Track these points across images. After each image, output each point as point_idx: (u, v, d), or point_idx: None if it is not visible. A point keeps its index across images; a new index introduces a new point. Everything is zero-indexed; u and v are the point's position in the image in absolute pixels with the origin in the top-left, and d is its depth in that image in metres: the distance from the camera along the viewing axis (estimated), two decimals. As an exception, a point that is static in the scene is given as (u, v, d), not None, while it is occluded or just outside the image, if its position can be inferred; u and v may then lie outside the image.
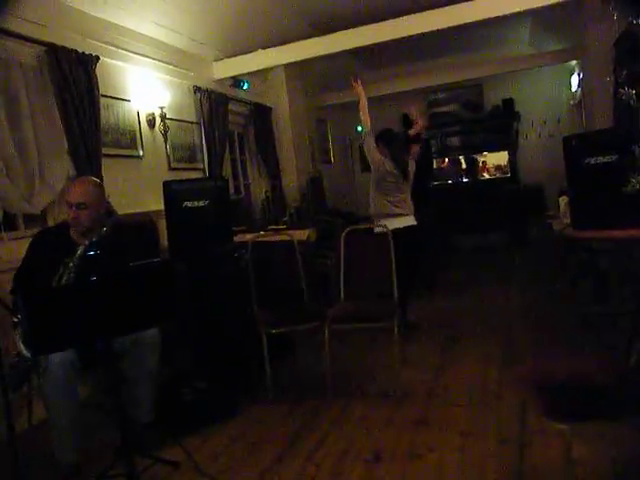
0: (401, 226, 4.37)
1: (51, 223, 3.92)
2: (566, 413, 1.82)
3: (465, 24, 5.22)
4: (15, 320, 2.50)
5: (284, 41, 5.87)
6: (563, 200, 4.69)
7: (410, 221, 4.52)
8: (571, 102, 8.98)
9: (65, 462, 2.59)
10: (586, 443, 2.31)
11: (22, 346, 2.46)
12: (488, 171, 10.09)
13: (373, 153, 4.55)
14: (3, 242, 3.61)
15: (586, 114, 7.39)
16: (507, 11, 4.95)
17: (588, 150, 3.32)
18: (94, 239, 2.64)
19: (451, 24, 5.23)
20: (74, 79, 3.95)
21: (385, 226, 3.96)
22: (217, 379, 3.38)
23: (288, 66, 7.16)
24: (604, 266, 4.50)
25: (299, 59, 5.99)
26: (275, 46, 5.91)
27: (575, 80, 8.35)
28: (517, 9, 4.95)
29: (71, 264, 2.59)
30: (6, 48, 3.62)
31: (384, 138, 4.64)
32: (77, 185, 2.87)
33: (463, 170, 10.05)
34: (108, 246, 2.67)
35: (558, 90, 9.39)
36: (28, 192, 3.68)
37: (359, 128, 10.64)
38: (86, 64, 4.09)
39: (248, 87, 6.87)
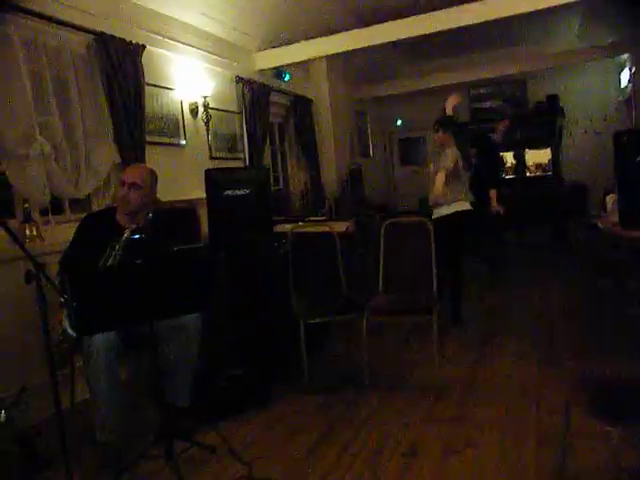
0: (460, 209, 4.45)
1: (96, 208, 4.00)
2: (614, 415, 1.76)
3: (512, 16, 5.09)
4: (62, 300, 2.56)
5: (327, 32, 5.84)
6: (611, 198, 4.56)
7: (466, 206, 4.51)
8: (620, 98, 8.70)
9: (106, 441, 2.64)
10: (636, 448, 2.23)
11: (68, 326, 2.52)
12: (528, 169, 9.86)
13: (451, 162, 4.40)
14: (50, 225, 3.70)
15: (637, 110, 7.15)
16: (559, 2, 4.78)
17: (642, 146, 3.20)
18: (140, 223, 2.68)
19: (497, 16, 5.09)
20: (121, 67, 4.02)
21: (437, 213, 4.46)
22: (254, 367, 3.40)
23: (329, 58, 7.12)
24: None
25: (342, 50, 5.95)
26: (318, 37, 5.88)
27: (625, 75, 8.08)
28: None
29: (117, 247, 2.64)
30: (58, 36, 3.70)
31: (449, 127, 4.56)
32: (134, 167, 3.04)
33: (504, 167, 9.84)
34: (153, 231, 2.71)
35: (606, 86, 9.11)
36: (75, 177, 3.76)
37: (398, 122, 10.65)
38: (133, 53, 4.15)
39: (289, 78, 6.88)
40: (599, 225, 4.58)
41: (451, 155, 4.40)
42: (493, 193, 5.89)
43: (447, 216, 4.43)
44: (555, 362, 3.54)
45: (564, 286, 5.73)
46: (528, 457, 2.44)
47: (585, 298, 5.11)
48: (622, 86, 8.45)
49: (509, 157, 9.69)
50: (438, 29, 5.34)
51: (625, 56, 7.91)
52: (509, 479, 2.29)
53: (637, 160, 3.25)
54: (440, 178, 4.34)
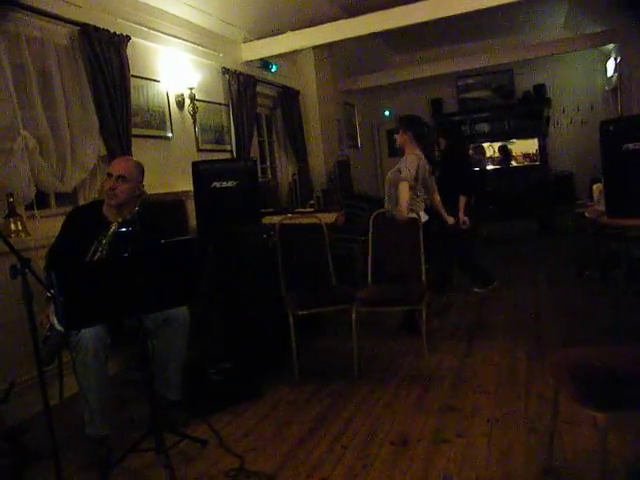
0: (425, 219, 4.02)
1: (82, 201, 3.96)
2: (602, 402, 1.78)
3: (499, 6, 5.08)
4: (49, 295, 2.54)
5: (313, 23, 5.81)
6: (597, 187, 4.61)
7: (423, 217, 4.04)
8: (606, 88, 8.75)
9: (95, 436, 2.63)
10: (621, 434, 2.27)
11: (55, 321, 2.50)
12: (515, 159, 9.90)
13: (411, 170, 3.96)
14: (36, 220, 3.65)
15: (623, 100, 7.19)
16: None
17: (627, 135, 3.21)
18: (127, 216, 2.67)
19: (484, 6, 5.08)
20: (105, 59, 3.96)
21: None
22: (244, 360, 3.40)
23: (317, 49, 7.12)
24: (637, 255, 4.41)
25: (328, 41, 5.94)
26: (304, 28, 5.85)
27: (611, 65, 8.12)
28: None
29: (104, 241, 2.62)
30: (41, 28, 3.63)
31: (415, 129, 4.12)
32: (121, 159, 3.01)
33: (491, 157, 9.87)
34: (140, 224, 2.69)
35: (592, 76, 9.16)
36: (60, 171, 3.71)
37: (386, 113, 10.64)
38: (117, 44, 4.09)
39: (276, 69, 6.84)
40: (586, 214, 4.62)
41: (410, 162, 3.96)
42: (462, 200, 4.95)
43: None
44: (543, 352, 3.57)
45: (551, 277, 5.77)
46: (517, 445, 2.47)
47: (572, 289, 5.15)
48: (608, 75, 8.49)
49: (495, 147, 9.74)
50: (424, 19, 5.33)
51: (611, 46, 7.94)
52: (499, 467, 2.31)
53: (623, 149, 3.28)
54: (404, 191, 3.86)
